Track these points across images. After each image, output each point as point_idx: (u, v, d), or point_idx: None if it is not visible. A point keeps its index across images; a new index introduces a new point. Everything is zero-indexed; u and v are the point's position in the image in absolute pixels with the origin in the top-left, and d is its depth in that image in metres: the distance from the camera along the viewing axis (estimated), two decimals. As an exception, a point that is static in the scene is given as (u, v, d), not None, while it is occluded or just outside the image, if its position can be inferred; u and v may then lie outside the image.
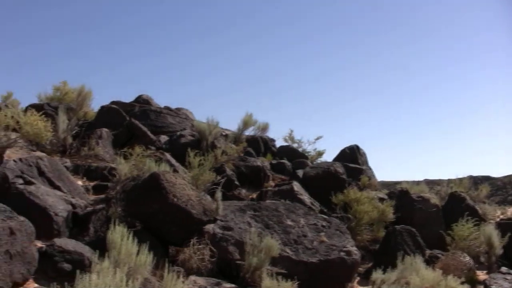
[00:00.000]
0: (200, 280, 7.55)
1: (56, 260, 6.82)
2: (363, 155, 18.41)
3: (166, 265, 6.69)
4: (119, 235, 6.50)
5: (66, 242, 7.27)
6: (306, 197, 12.48)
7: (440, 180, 23.36)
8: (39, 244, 7.16)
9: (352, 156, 17.75)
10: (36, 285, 6.32)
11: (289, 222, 9.59)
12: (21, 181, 8.75)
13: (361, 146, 18.55)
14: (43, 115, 11.88)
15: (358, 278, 10.26)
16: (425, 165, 64.16)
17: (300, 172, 14.60)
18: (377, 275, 9.26)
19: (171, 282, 6.27)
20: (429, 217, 13.58)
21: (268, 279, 7.58)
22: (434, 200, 14.48)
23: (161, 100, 21.16)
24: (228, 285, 7.69)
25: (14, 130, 11.98)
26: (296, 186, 12.78)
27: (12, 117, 11.85)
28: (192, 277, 7.56)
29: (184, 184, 8.97)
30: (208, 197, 10.08)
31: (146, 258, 6.46)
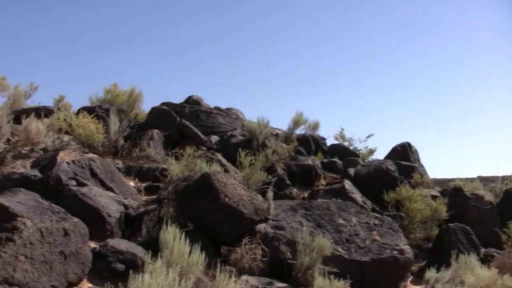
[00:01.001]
0: (252, 280, 7.51)
1: (110, 261, 6.85)
2: (414, 152, 18.11)
3: (218, 264, 6.66)
4: (172, 235, 6.50)
5: (119, 243, 7.31)
6: (357, 196, 12.34)
7: (494, 176, 22.82)
8: (92, 244, 7.21)
9: (403, 154, 17.48)
10: (90, 285, 6.36)
11: (341, 221, 9.48)
12: (74, 182, 8.86)
13: (412, 144, 18.27)
14: (95, 118, 12.06)
15: (411, 277, 10.08)
16: (479, 162, 62.75)
17: (351, 171, 14.44)
18: (431, 274, 9.07)
19: (223, 282, 6.24)
20: (484, 214, 13.25)
21: (320, 278, 7.48)
22: (489, 197, 14.11)
23: (211, 100, 21.24)
24: (280, 284, 7.64)
25: (67, 132, 12.18)
26: (348, 184, 12.65)
27: (65, 120, 12.05)
28: (244, 277, 7.52)
29: (235, 184, 8.95)
30: (260, 196, 10.04)
31: (198, 258, 6.44)
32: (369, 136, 19.30)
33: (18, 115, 13.02)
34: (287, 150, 14.35)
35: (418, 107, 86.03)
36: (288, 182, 12.59)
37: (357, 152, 18.33)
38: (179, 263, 6.19)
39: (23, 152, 11.45)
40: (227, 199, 8.42)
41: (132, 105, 14.54)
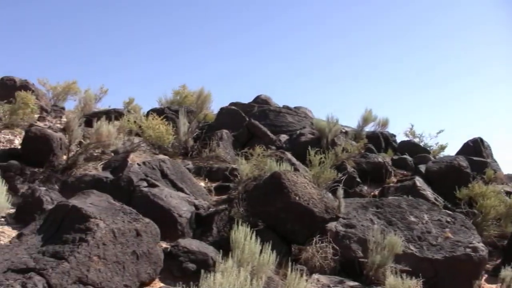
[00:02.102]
0: (323, 279, 7.40)
1: (181, 260, 6.88)
2: (487, 147, 17.57)
3: (289, 263, 6.59)
4: (242, 235, 6.47)
5: (190, 243, 7.33)
6: (429, 193, 12.06)
7: None
8: (164, 244, 7.26)
9: (475, 149, 16.98)
10: (162, 284, 6.39)
11: (412, 219, 9.25)
12: (145, 183, 8.95)
13: (485, 139, 17.74)
14: (164, 119, 12.19)
15: (485, 276, 9.73)
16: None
17: (422, 167, 14.11)
18: (507, 272, 8.72)
19: (294, 281, 6.15)
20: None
21: (392, 277, 7.30)
22: None
23: (279, 99, 21.22)
24: (351, 283, 7.50)
25: (137, 134, 12.35)
26: (419, 181, 12.38)
27: (135, 122, 12.23)
28: (315, 276, 7.42)
29: (305, 183, 8.86)
30: (330, 195, 9.91)
31: (269, 257, 6.38)
32: (439, 132, 18.96)
33: (89, 118, 13.32)
34: (357, 147, 14.13)
35: (490, 99, 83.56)
36: (358, 180, 12.43)
37: (428, 149, 18.00)
38: (250, 262, 6.14)
39: (95, 154, 11.68)
40: (297, 198, 8.34)
41: (201, 106, 14.65)
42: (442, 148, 18.66)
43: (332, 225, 8.69)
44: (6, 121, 14.54)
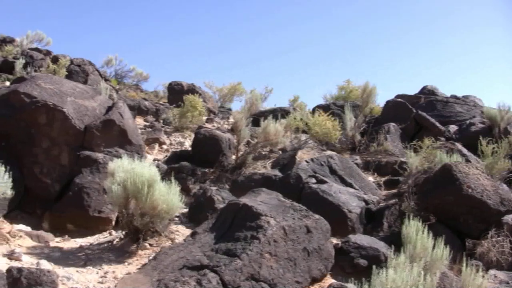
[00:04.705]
0: (501, 275, 7.00)
1: (352, 256, 6.83)
2: None
3: (464, 258, 6.33)
4: (414, 229, 6.30)
5: (361, 238, 7.26)
6: None
7: None
8: (334, 240, 7.25)
9: None
10: (333, 280, 6.36)
11: None
12: (313, 180, 9.00)
13: None
14: (330, 115, 12.19)
15: None
16: None
17: None
18: None
19: (470, 277, 5.90)
20: None
21: None
22: None
23: (446, 89, 20.52)
24: (534, 280, 7.06)
25: (304, 131, 12.45)
26: None
27: (301, 119, 12.33)
28: (492, 271, 7.04)
29: (478, 174, 8.47)
30: (505, 186, 9.42)
31: (443, 252, 6.15)
32: None
33: (256, 118, 13.63)
34: (533, 135, 13.32)
35: None
36: (536, 169, 11.71)
37: None
38: (423, 257, 5.97)
39: (263, 153, 11.92)
40: (470, 190, 7.99)
41: (367, 100, 14.49)
42: None
43: (508, 218, 8.23)
44: (176, 124, 15.30)
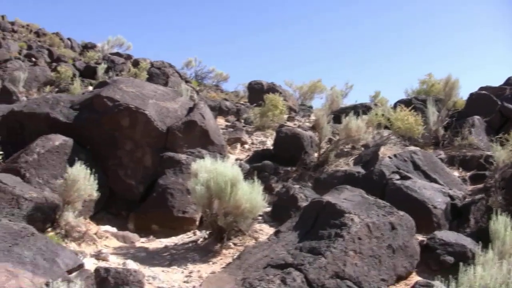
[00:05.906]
0: None
1: (438, 253, 6.73)
2: None
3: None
4: (502, 225, 6.16)
5: (447, 235, 7.14)
6: None
7: None
8: (419, 237, 7.16)
9: None
10: (419, 278, 6.30)
11: None
12: (397, 176, 8.92)
13: None
14: (412, 110, 12.02)
15: None
16: None
17: None
18: None
19: None
20: None
21: None
22: None
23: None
24: None
25: (386, 127, 12.33)
26: None
27: (383, 115, 12.23)
28: None
29: None
30: None
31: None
32: None
33: (337, 115, 13.57)
34: None
35: None
36: None
37: None
38: (512, 254, 5.83)
39: (345, 150, 11.89)
40: (562, 184, 7.76)
41: (449, 93, 14.22)
42: None
43: None
44: (257, 124, 15.42)
